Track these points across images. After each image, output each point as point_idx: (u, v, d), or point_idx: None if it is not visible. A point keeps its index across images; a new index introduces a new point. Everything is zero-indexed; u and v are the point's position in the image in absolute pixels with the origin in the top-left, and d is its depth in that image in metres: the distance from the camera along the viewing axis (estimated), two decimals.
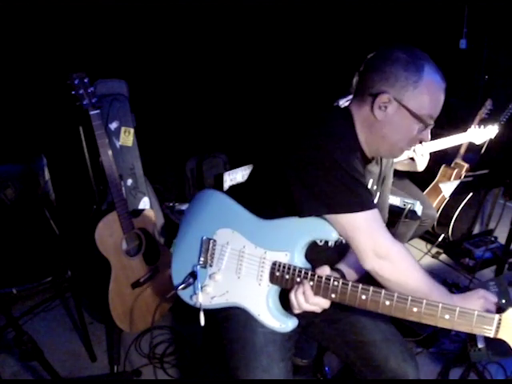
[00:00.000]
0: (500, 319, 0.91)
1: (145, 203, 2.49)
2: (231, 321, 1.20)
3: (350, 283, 1.03)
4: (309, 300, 1.06)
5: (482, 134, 2.26)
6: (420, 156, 2.21)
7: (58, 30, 2.46)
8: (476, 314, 0.92)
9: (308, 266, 1.13)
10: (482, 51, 3.61)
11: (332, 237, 1.10)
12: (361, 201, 1.02)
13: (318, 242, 1.21)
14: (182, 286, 1.22)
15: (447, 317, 0.94)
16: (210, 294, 1.22)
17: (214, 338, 1.28)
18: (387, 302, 0.99)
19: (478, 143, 2.31)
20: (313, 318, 1.25)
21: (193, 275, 1.23)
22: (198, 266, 1.23)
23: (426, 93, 1.05)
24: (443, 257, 2.91)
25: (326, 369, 1.63)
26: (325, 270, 1.07)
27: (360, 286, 1.02)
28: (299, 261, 1.12)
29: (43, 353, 1.44)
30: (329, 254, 1.23)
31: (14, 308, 2.19)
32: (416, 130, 1.08)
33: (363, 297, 1.01)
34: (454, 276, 2.66)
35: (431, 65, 1.06)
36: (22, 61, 2.44)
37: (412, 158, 2.26)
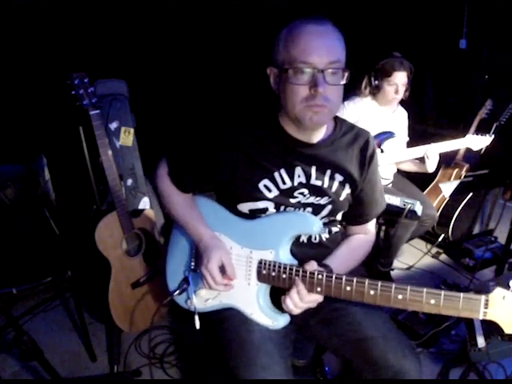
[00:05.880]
0: (487, 300, 0.88)
1: (145, 203, 2.49)
2: (227, 321, 1.20)
3: (334, 275, 1.03)
4: (304, 298, 1.07)
5: (479, 141, 2.30)
6: (428, 157, 2.23)
7: (58, 29, 2.46)
8: (462, 297, 0.89)
9: (294, 261, 1.14)
10: (481, 51, 3.61)
11: (314, 230, 1.11)
12: None
13: (303, 238, 1.22)
14: (178, 291, 1.23)
15: (433, 301, 0.92)
16: (204, 298, 1.24)
17: (213, 339, 1.27)
18: (372, 292, 0.99)
19: (475, 149, 2.34)
20: (308, 320, 1.25)
21: (186, 280, 1.24)
22: (191, 271, 1.23)
23: (283, 40, 1.08)
24: (443, 257, 2.92)
25: (326, 369, 1.62)
26: (312, 265, 1.07)
27: (344, 277, 1.02)
28: (284, 257, 1.13)
29: (43, 353, 1.44)
30: (315, 251, 1.23)
31: (14, 308, 2.18)
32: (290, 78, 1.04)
33: (348, 288, 1.01)
34: (454, 276, 2.66)
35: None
36: (22, 61, 2.44)
37: (422, 160, 2.28)
